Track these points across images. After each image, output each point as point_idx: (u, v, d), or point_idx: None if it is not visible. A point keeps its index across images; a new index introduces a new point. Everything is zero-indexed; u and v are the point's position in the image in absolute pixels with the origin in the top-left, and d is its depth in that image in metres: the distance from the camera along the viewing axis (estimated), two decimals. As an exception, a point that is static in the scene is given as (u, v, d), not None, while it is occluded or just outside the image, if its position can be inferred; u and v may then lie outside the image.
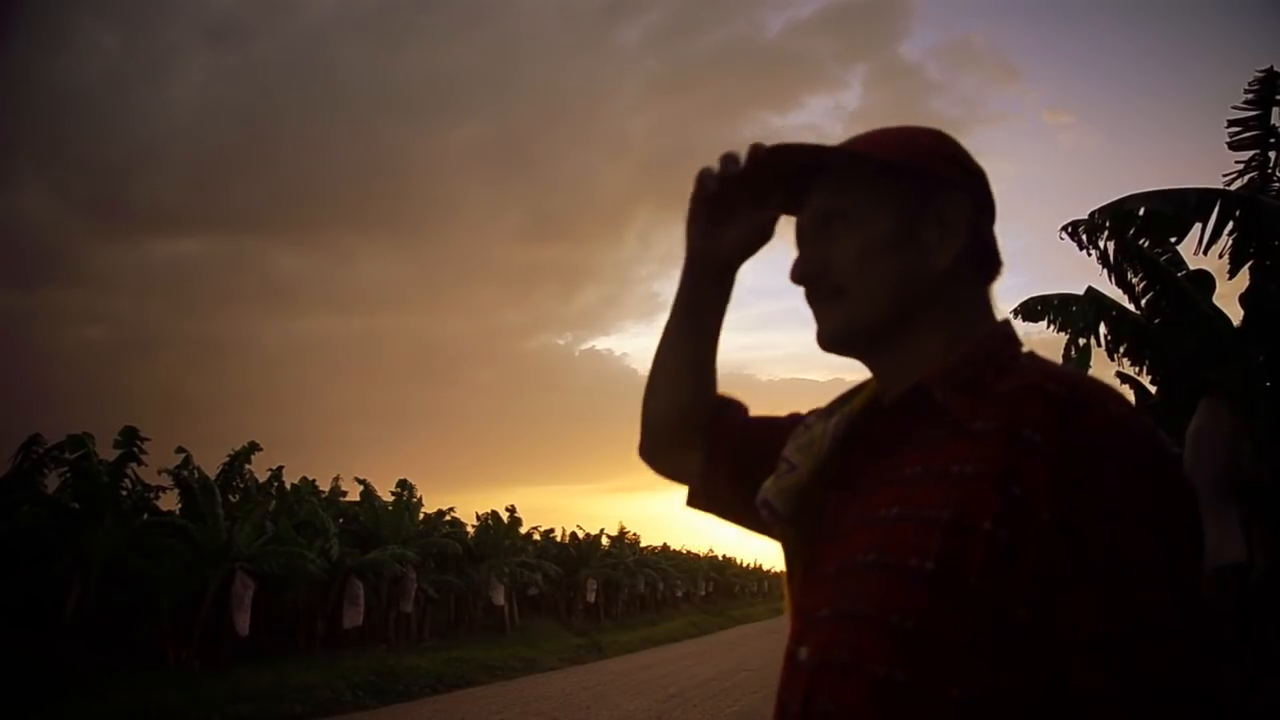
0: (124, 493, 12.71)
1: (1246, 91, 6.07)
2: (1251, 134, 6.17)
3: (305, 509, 16.25)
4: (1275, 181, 6.23)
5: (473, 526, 22.13)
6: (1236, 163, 6.30)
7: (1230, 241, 5.46)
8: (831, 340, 0.83)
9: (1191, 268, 6.33)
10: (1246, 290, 5.70)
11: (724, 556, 50.11)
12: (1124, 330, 6.27)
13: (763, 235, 0.95)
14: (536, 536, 26.29)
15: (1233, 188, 6.15)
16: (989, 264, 0.83)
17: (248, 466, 15.43)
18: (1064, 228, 5.98)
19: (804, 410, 0.95)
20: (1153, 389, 6.83)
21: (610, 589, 28.44)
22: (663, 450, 1.05)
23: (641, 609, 31.49)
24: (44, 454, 12.31)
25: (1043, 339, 7.22)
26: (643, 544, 35.57)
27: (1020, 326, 3.73)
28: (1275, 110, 6.06)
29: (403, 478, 19.26)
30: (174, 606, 12.59)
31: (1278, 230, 5.44)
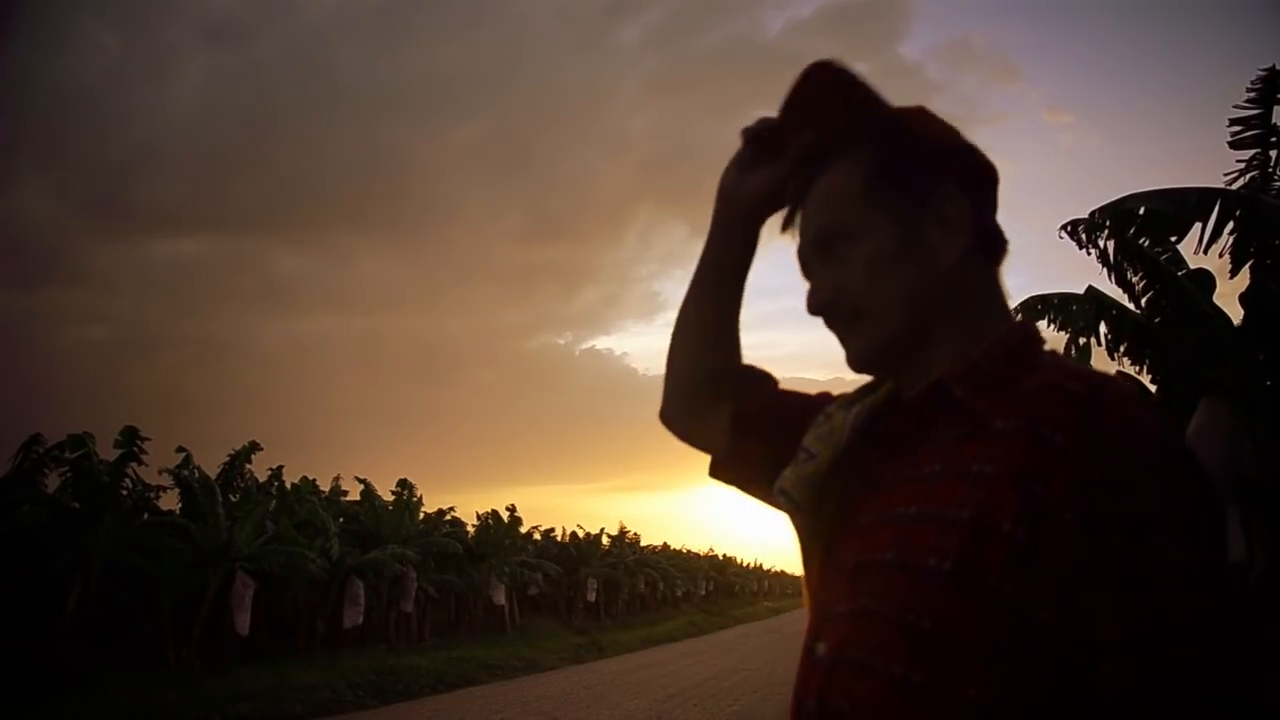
0: (124, 492, 12.72)
1: (1248, 90, 6.06)
2: (1253, 133, 6.16)
3: (305, 508, 16.26)
4: (1276, 181, 6.22)
5: (473, 526, 22.16)
6: (1238, 162, 6.29)
7: (1231, 241, 5.46)
8: (862, 363, 0.82)
9: (1192, 267, 6.33)
10: (1247, 289, 5.70)
11: (724, 556, 50.19)
12: (1124, 329, 6.26)
13: (788, 187, 0.91)
14: (537, 536, 26.31)
15: (1234, 187, 6.15)
16: (994, 247, 0.81)
17: (248, 466, 15.45)
18: (1064, 227, 5.98)
19: (835, 392, 0.93)
20: (1153, 388, 6.82)
21: (610, 588, 28.45)
22: (686, 409, 1.02)
23: (642, 608, 31.51)
24: (44, 454, 12.32)
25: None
26: (643, 543, 35.63)
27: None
28: (1276, 109, 6.05)
29: (403, 477, 19.34)
30: (174, 606, 12.60)
31: (1278, 229, 5.44)
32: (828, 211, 0.81)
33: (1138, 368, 6.38)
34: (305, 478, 17.94)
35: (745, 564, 56.72)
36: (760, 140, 0.90)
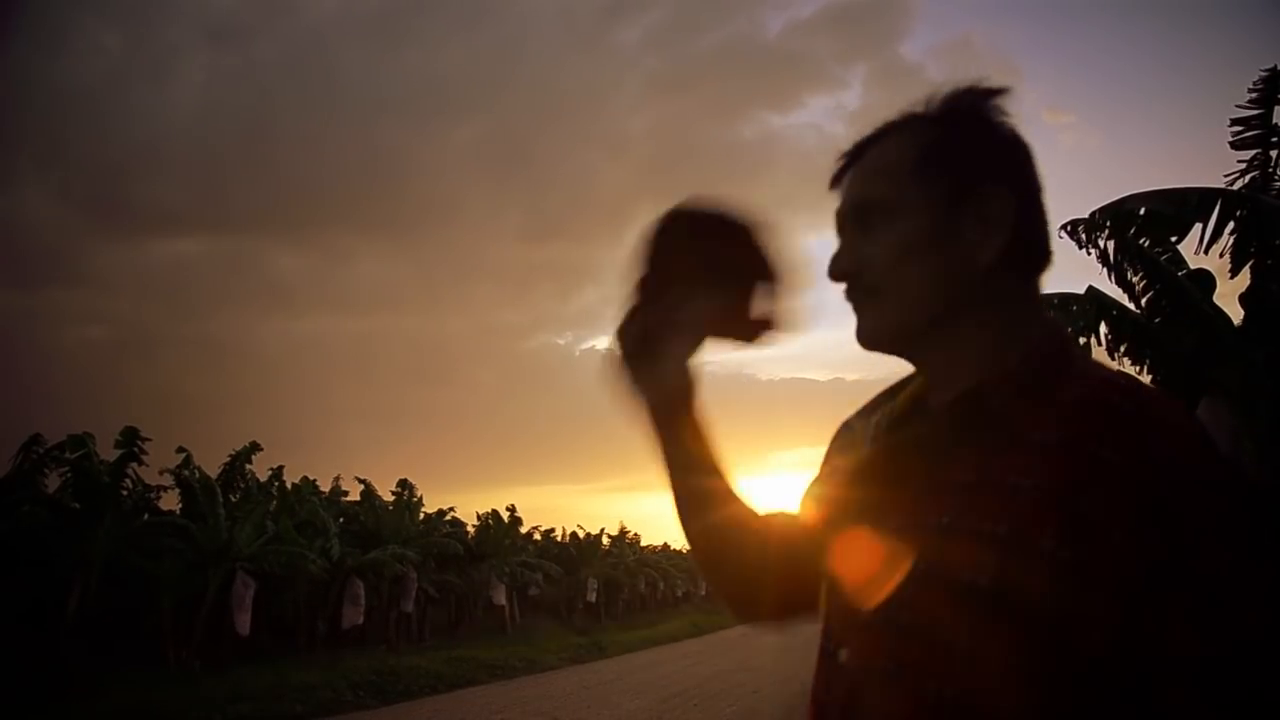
0: (125, 493, 12.72)
1: (1250, 91, 6.07)
2: (1253, 133, 6.16)
3: (306, 509, 16.27)
4: (1276, 181, 6.23)
5: (473, 526, 22.17)
6: (1239, 162, 6.30)
7: (1231, 241, 5.47)
8: (868, 341, 0.81)
9: (1192, 267, 6.34)
10: (1247, 289, 5.70)
11: (725, 556, 50.11)
12: (1124, 329, 6.26)
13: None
14: (537, 536, 26.32)
15: (1234, 187, 6.15)
16: (1036, 257, 0.79)
17: (248, 466, 15.45)
18: (1064, 227, 5.98)
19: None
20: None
21: (611, 588, 28.43)
22: (769, 616, 0.97)
23: (642, 608, 31.48)
24: (45, 454, 12.32)
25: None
26: (643, 543, 35.62)
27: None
28: (1277, 110, 6.06)
29: (403, 477, 19.34)
30: (175, 606, 12.60)
31: (1278, 229, 5.44)
32: (872, 181, 0.79)
33: (1138, 367, 6.39)
34: (305, 478, 17.97)
35: (745, 564, 56.70)
36: (629, 329, 0.89)
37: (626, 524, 33.72)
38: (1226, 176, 6.33)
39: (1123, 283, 6.19)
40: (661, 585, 33.98)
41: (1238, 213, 5.38)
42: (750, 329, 0.88)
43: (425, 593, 18.16)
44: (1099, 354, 6.48)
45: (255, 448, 15.39)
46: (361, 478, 18.83)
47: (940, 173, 0.77)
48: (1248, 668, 0.59)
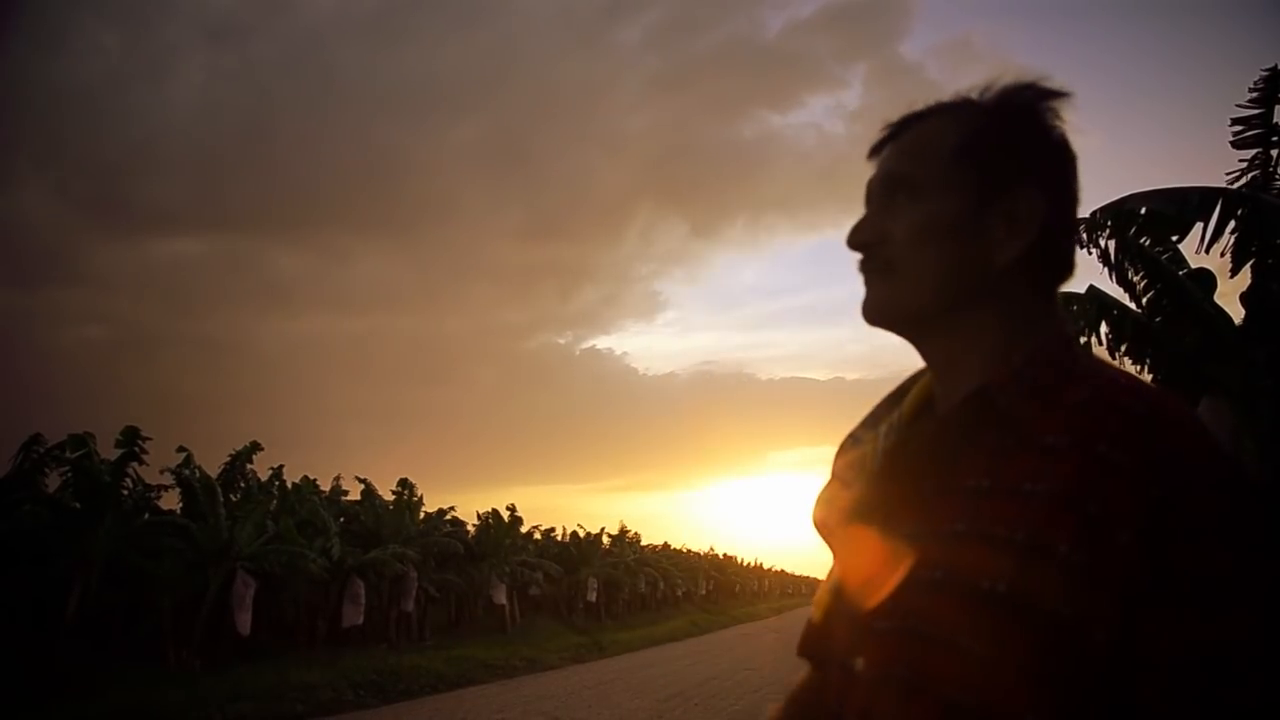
0: (125, 492, 12.73)
1: (1251, 90, 6.07)
2: (1254, 133, 6.17)
3: (306, 508, 16.27)
4: (1277, 180, 6.23)
5: (473, 526, 22.18)
6: (1239, 161, 6.30)
7: (1232, 240, 5.46)
8: (872, 316, 0.80)
9: (1193, 266, 6.34)
10: (1248, 289, 5.70)
11: (724, 555, 50.22)
12: (1125, 328, 6.26)
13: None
14: (537, 536, 26.34)
15: (1235, 186, 6.15)
16: (1056, 266, 0.78)
17: (249, 466, 15.46)
18: (1065, 226, 5.98)
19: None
20: (1154, 388, 6.83)
21: (611, 588, 28.46)
22: None
23: (642, 608, 31.51)
24: (45, 454, 12.33)
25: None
26: (643, 543, 35.65)
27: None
28: (1278, 109, 6.06)
29: (403, 477, 19.34)
30: (175, 606, 12.61)
31: (1279, 229, 5.43)
32: (907, 158, 0.79)
33: (1139, 367, 6.39)
34: (306, 477, 17.98)
35: (745, 564, 56.74)
36: None
37: (626, 524, 33.83)
38: (1227, 175, 6.34)
39: (1124, 282, 6.19)
40: (661, 585, 34.00)
41: (1238, 212, 5.37)
42: None
43: (425, 592, 18.17)
44: (1100, 353, 6.47)
45: (256, 447, 15.41)
46: (362, 477, 18.88)
47: (976, 162, 0.76)
48: (1230, 674, 0.59)
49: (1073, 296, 6.53)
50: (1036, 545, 0.64)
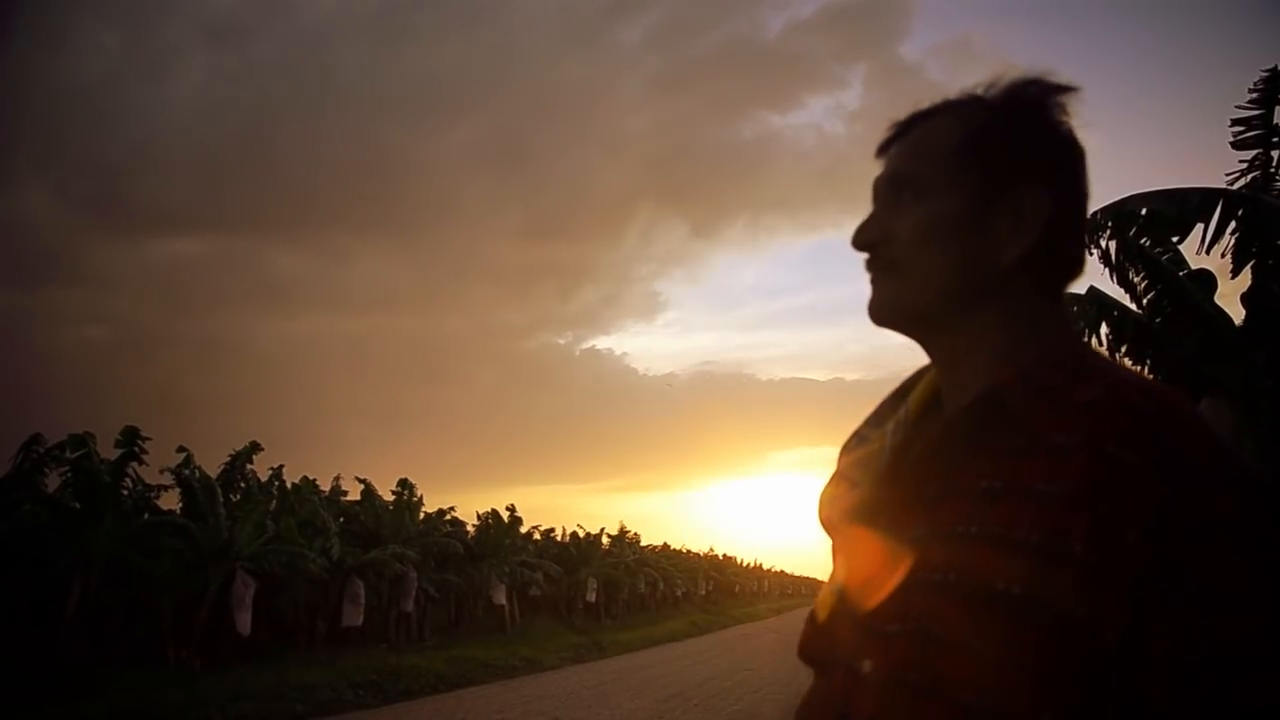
0: (125, 492, 12.72)
1: (1251, 91, 6.07)
2: (1254, 133, 6.17)
3: (306, 508, 16.26)
4: (1277, 181, 6.23)
5: (473, 526, 22.18)
6: (1240, 162, 6.31)
7: (1232, 241, 5.46)
8: (878, 316, 0.79)
9: (1193, 267, 6.34)
10: (1248, 289, 5.70)
11: (724, 556, 50.22)
12: (1125, 329, 6.26)
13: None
14: (537, 536, 26.33)
15: (1235, 187, 6.15)
16: (1064, 264, 0.77)
17: (249, 466, 15.45)
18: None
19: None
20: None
21: (611, 588, 28.45)
22: None
23: (642, 608, 31.50)
24: (45, 454, 12.33)
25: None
26: (643, 543, 35.64)
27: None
28: (1278, 110, 6.06)
29: (403, 477, 19.33)
30: (175, 606, 12.61)
31: (1279, 229, 5.44)
32: (912, 157, 0.78)
33: (1139, 368, 6.39)
34: (306, 477, 17.97)
35: (745, 564, 56.75)
36: None
37: (626, 524, 33.80)
38: (1228, 176, 6.34)
39: (1124, 283, 6.19)
40: (661, 585, 34.00)
41: (1239, 213, 5.37)
42: None
43: (425, 592, 18.16)
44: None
45: (256, 447, 15.41)
46: (361, 477, 18.86)
47: (979, 160, 0.75)
48: (1237, 674, 0.58)
49: (1073, 297, 6.54)
50: (1051, 546, 0.63)
